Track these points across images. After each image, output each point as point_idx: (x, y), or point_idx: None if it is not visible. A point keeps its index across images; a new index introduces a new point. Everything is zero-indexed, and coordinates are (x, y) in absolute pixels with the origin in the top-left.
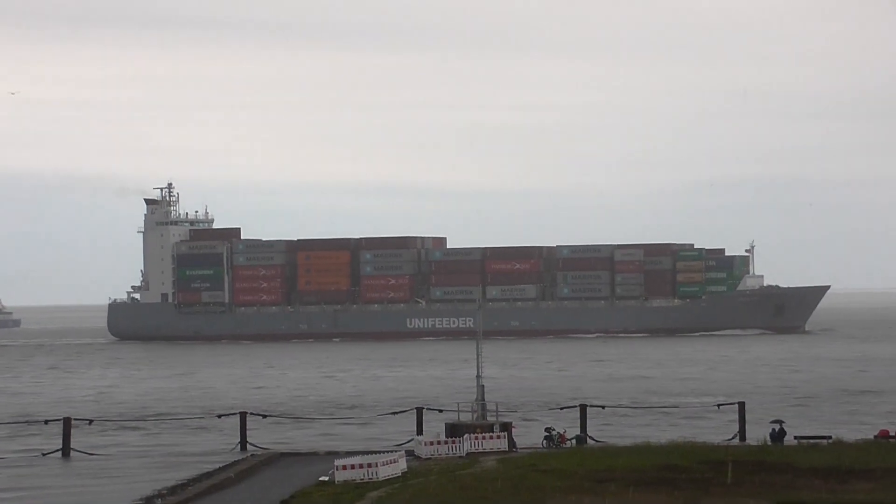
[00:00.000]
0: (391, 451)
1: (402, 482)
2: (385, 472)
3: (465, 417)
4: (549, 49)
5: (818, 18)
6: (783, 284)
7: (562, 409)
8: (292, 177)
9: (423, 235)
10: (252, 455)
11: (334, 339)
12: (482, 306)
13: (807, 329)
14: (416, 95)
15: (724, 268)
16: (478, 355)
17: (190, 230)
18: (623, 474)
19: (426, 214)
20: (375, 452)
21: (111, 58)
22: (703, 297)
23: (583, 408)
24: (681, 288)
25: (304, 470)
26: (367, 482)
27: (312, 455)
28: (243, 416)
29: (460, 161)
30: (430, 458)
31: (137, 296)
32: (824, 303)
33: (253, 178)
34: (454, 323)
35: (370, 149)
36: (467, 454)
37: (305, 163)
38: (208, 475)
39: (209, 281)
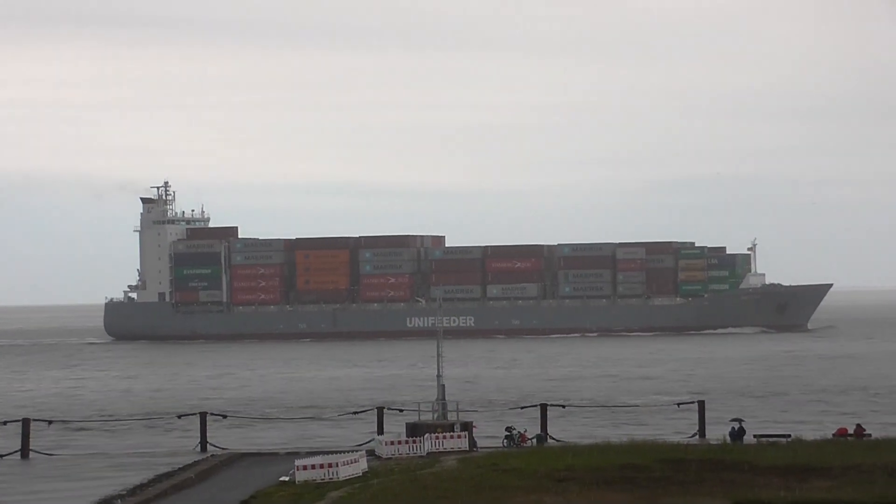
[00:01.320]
0: (352, 451)
1: (362, 482)
2: (346, 472)
3: (426, 417)
4: (520, 48)
5: (792, 19)
6: (784, 283)
7: (522, 408)
8: (281, 177)
9: (422, 234)
10: (212, 455)
11: (332, 340)
12: (442, 305)
13: (809, 327)
14: (383, 96)
15: (726, 266)
16: (438, 355)
17: (187, 229)
18: (583, 473)
19: (401, 213)
20: (336, 452)
21: (97, 57)
22: (706, 296)
23: (543, 407)
24: (683, 286)
25: (264, 470)
26: (328, 482)
27: (273, 455)
28: (203, 416)
29: (443, 160)
30: (390, 458)
31: (134, 295)
32: (827, 301)
33: (243, 178)
34: (455, 322)
35: (346, 149)
36: (428, 454)
37: (294, 163)
38: (168, 476)
39: (207, 280)
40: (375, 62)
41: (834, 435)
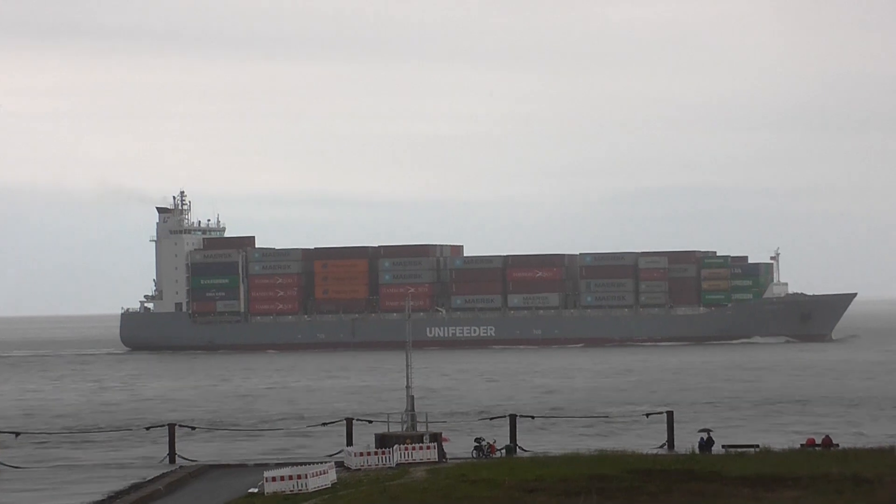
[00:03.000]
0: (321, 463)
1: (331, 493)
2: (315, 484)
3: (396, 428)
4: (483, 59)
5: (756, 31)
6: (808, 292)
7: (492, 419)
8: (295, 187)
9: (440, 243)
10: (181, 467)
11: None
12: (411, 315)
13: (833, 337)
14: (347, 106)
15: (749, 275)
16: (407, 365)
17: (203, 239)
18: (553, 484)
19: (407, 222)
20: (305, 464)
21: (86, 68)
22: (729, 305)
23: (512, 418)
24: (706, 296)
25: (233, 482)
26: (297, 493)
27: (241, 467)
28: (171, 427)
29: (413, 172)
30: (359, 469)
31: (150, 305)
32: (851, 310)
33: (256, 189)
34: (475, 332)
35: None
36: (397, 465)
37: (306, 173)
38: (137, 487)
39: (224, 290)
40: (359, 71)
41: (802, 445)
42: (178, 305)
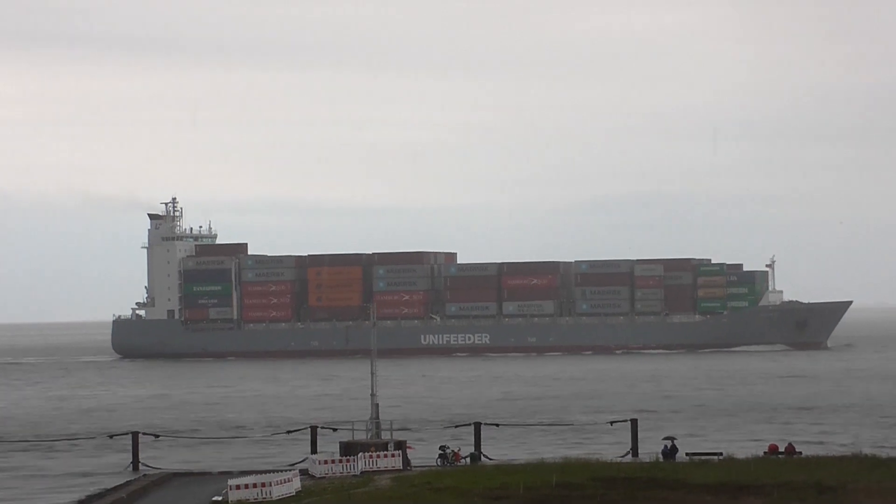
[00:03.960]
0: (285, 471)
1: (296, 501)
2: (279, 492)
3: (360, 436)
4: (437, 68)
5: (715, 41)
6: (803, 300)
7: (456, 426)
8: (285, 195)
9: (434, 250)
10: (144, 475)
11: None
12: (375, 323)
13: (829, 345)
14: (310, 113)
15: (745, 283)
16: (372, 374)
17: (195, 245)
18: (517, 492)
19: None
20: (269, 472)
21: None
22: (725, 313)
23: (477, 426)
24: (702, 303)
25: (197, 490)
26: (261, 502)
27: (205, 475)
28: (135, 435)
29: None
30: (324, 477)
31: (142, 312)
32: (847, 318)
33: (247, 196)
34: (469, 339)
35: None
36: (362, 473)
37: (297, 182)
38: (99, 496)
39: (217, 297)
40: (333, 79)
41: (765, 453)
42: (171, 313)
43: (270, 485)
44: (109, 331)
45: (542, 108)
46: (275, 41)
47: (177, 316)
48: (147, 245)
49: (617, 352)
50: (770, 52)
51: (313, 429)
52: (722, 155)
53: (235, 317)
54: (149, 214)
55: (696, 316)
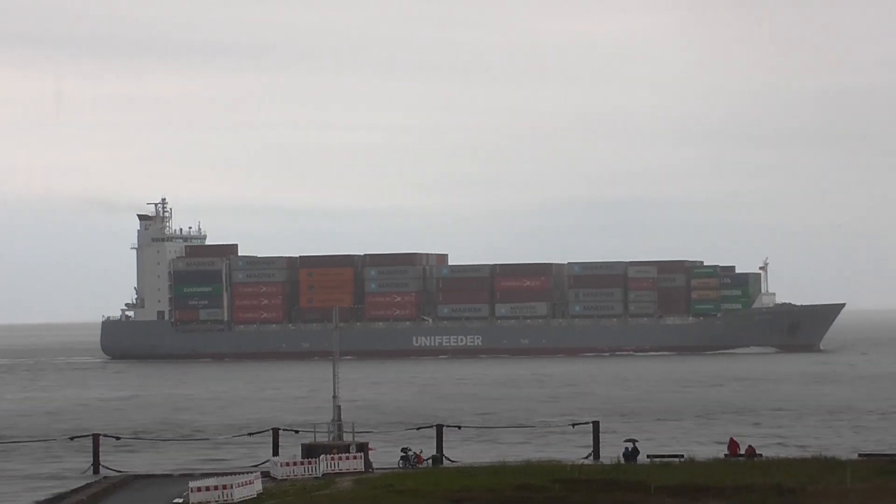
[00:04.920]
0: (247, 473)
1: (257, 503)
2: (240, 494)
3: (322, 438)
4: (390, 69)
5: (670, 46)
6: (796, 302)
7: (418, 429)
8: (275, 198)
9: (426, 252)
10: (105, 478)
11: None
12: (339, 327)
13: (822, 347)
14: (282, 116)
15: (738, 285)
16: (334, 375)
17: (185, 246)
18: (479, 494)
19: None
20: (231, 474)
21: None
22: (719, 315)
23: (439, 428)
24: (695, 305)
25: (158, 492)
26: None
27: (167, 477)
28: (96, 438)
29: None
30: (285, 479)
31: (131, 313)
32: (840, 320)
33: (237, 198)
34: (462, 341)
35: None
36: (323, 475)
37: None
38: (59, 499)
39: (207, 298)
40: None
41: (726, 455)
42: (161, 314)
43: (232, 487)
44: (99, 332)
45: (497, 111)
46: (256, 43)
47: (167, 317)
48: (136, 246)
49: (605, 354)
50: (719, 56)
51: (275, 431)
52: (679, 158)
53: (226, 318)
54: (138, 215)
55: (690, 318)
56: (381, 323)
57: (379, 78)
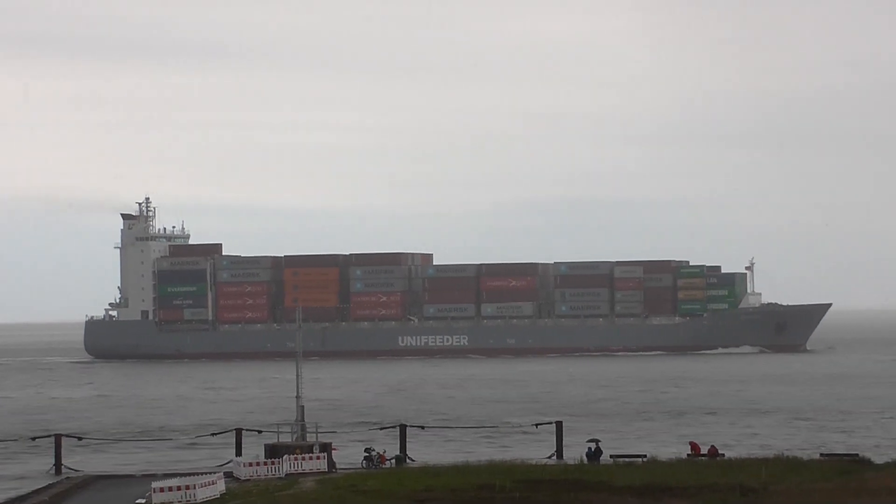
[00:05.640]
0: (210, 473)
1: None
2: (203, 494)
3: (285, 438)
4: (350, 70)
5: (620, 47)
6: (782, 302)
7: (382, 429)
8: (260, 198)
9: (412, 251)
10: (67, 478)
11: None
12: (301, 325)
13: (808, 348)
14: (225, 117)
15: (725, 285)
16: (297, 375)
17: (169, 246)
18: (442, 494)
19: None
20: (193, 474)
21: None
22: (705, 315)
23: (402, 428)
24: (682, 305)
25: (120, 493)
26: None
27: (129, 477)
28: (58, 438)
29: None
30: (248, 480)
31: (115, 313)
32: (827, 321)
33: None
34: (448, 341)
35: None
36: (287, 475)
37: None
38: (21, 499)
39: (191, 298)
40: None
41: (688, 455)
42: (144, 313)
43: (195, 487)
44: (83, 332)
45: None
46: (234, 43)
47: (151, 317)
48: (120, 245)
49: (585, 354)
50: (678, 59)
51: (238, 431)
52: (633, 159)
53: (210, 318)
54: (122, 214)
55: (677, 318)
56: (366, 323)
57: (363, 79)
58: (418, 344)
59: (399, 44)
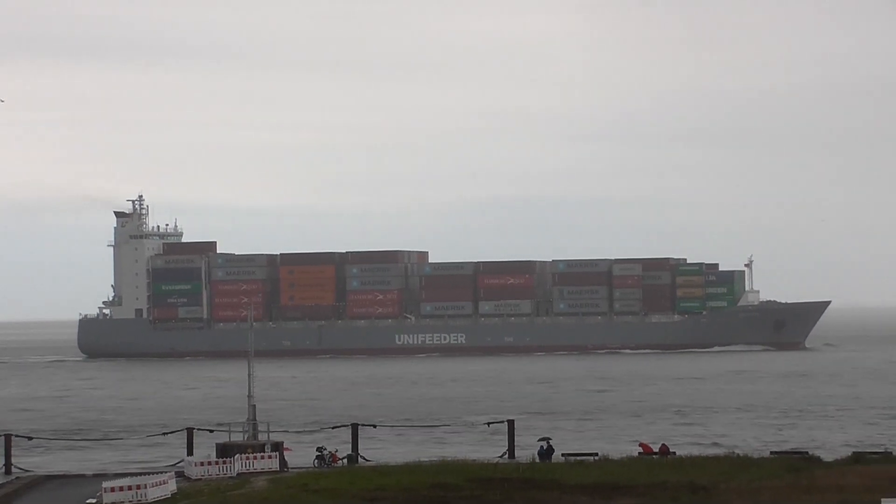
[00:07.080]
0: (161, 473)
1: (171, 503)
2: (154, 494)
3: (237, 438)
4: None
5: (578, 48)
6: (781, 300)
7: (333, 428)
8: (251, 196)
9: (407, 249)
10: (17, 478)
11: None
12: (252, 325)
13: (807, 345)
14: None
15: (723, 283)
16: (249, 374)
17: (163, 244)
18: (394, 493)
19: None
20: (144, 474)
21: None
22: (704, 313)
23: (354, 427)
24: (681, 303)
25: (71, 493)
26: None
27: (80, 477)
28: (8, 438)
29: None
30: (200, 479)
31: (109, 311)
32: (826, 318)
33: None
34: (445, 339)
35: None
36: (238, 475)
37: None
38: None
39: (186, 296)
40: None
41: (640, 453)
42: (139, 312)
43: (146, 487)
44: (76, 330)
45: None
46: (230, 42)
47: (145, 315)
48: (113, 243)
49: (595, 352)
50: (630, 58)
51: (189, 431)
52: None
53: (205, 316)
54: (115, 212)
55: (675, 316)
56: (363, 321)
57: (351, 78)
58: (415, 342)
59: (398, 44)
